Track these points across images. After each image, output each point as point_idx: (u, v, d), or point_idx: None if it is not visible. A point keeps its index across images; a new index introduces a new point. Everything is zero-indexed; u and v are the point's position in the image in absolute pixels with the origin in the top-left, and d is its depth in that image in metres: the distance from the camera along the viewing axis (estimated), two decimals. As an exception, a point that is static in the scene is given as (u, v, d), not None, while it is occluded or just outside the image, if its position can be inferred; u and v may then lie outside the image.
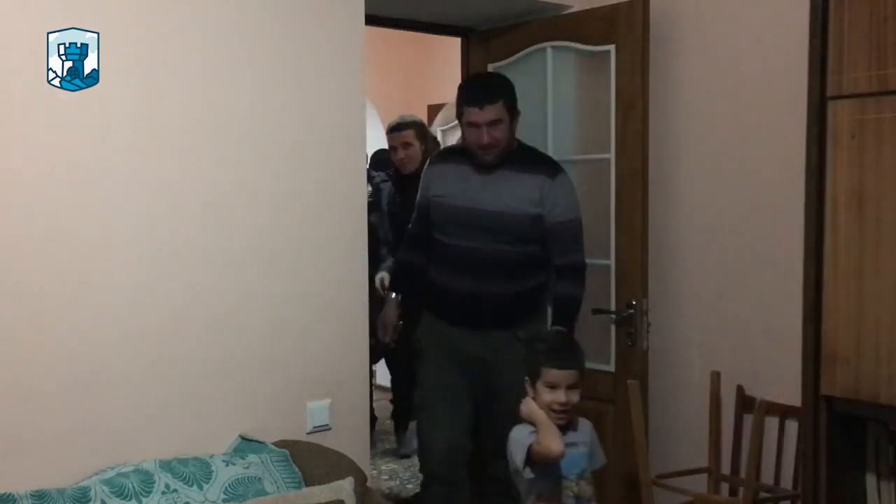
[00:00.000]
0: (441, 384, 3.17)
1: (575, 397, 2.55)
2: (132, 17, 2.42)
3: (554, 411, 2.51)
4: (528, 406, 2.55)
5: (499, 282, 3.08)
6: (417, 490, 3.80)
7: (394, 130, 4.39)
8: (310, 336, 2.78)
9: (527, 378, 2.60)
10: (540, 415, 2.49)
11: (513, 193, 3.06)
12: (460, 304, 3.14)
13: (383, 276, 4.15)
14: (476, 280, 3.08)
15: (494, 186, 3.07)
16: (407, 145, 4.31)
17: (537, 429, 2.48)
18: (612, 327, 3.40)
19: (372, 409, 4.25)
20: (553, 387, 2.52)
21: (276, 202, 2.70)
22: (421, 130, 4.39)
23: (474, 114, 3.01)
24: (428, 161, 3.41)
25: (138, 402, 2.46)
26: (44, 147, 2.30)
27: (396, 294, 3.36)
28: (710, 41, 3.31)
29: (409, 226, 3.40)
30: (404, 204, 4.07)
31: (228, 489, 2.38)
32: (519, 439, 2.51)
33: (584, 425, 2.65)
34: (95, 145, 2.37)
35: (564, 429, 2.53)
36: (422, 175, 3.36)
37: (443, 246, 3.18)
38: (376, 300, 3.50)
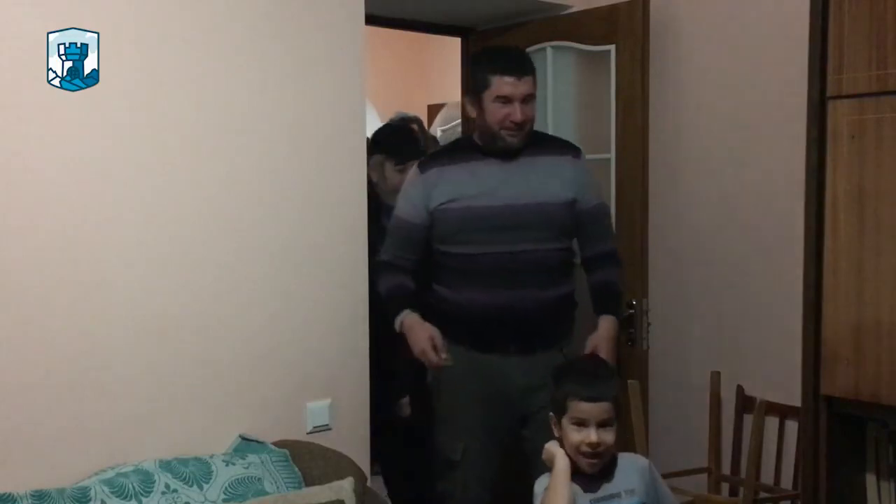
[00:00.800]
0: (476, 432, 2.71)
1: (609, 437, 2.09)
2: (132, 17, 2.42)
3: (583, 455, 2.07)
4: (549, 451, 2.13)
5: (541, 288, 2.68)
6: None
7: None
8: (310, 336, 2.78)
9: (551, 415, 2.17)
10: (556, 463, 2.08)
11: (542, 179, 2.69)
12: (493, 324, 2.68)
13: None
14: (512, 290, 2.66)
15: (520, 175, 2.69)
16: None
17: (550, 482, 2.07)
18: (612, 327, 3.41)
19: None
20: (581, 424, 2.08)
21: (275, 202, 2.70)
22: (421, 128, 4.35)
23: (508, 85, 2.61)
24: (414, 171, 2.86)
25: (138, 402, 2.46)
26: (43, 147, 2.30)
27: (402, 315, 2.77)
28: (710, 41, 3.31)
29: (381, 254, 2.85)
30: None
31: (228, 489, 2.38)
32: (538, 494, 2.13)
33: (631, 467, 2.17)
34: (95, 145, 2.37)
35: (597, 479, 2.10)
36: (404, 189, 2.87)
37: (461, 259, 2.72)
38: (389, 340, 2.90)
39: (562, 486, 2.04)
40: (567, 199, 2.72)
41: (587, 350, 2.75)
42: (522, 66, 2.66)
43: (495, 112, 2.64)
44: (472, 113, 2.75)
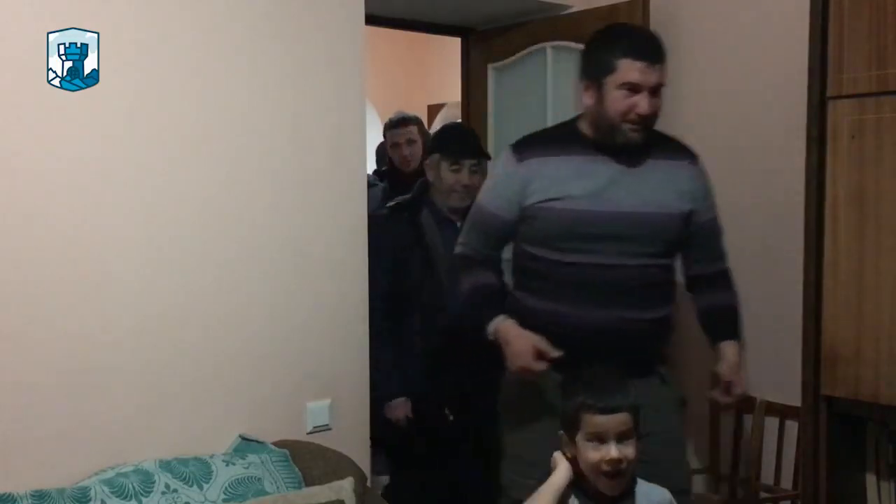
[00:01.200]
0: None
1: (630, 452, 1.88)
2: (132, 17, 2.42)
3: (604, 475, 1.86)
4: (552, 461, 1.95)
5: (643, 308, 2.33)
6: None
7: (397, 126, 4.16)
8: (310, 336, 2.78)
9: (561, 433, 1.96)
10: (553, 475, 1.91)
11: (657, 186, 2.34)
12: (584, 345, 2.24)
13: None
14: (607, 309, 2.31)
15: (632, 178, 2.33)
16: (411, 142, 4.11)
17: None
18: (612, 327, 3.40)
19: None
20: (598, 439, 1.87)
21: (276, 201, 2.70)
22: (422, 127, 4.29)
23: (638, 71, 2.23)
24: (508, 157, 2.42)
25: (138, 402, 2.46)
26: (44, 147, 2.29)
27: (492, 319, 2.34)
28: (710, 41, 3.31)
29: (459, 246, 2.52)
30: None
31: (228, 489, 2.38)
32: None
33: (653, 498, 1.96)
34: (95, 145, 2.37)
35: (618, 502, 1.89)
36: (494, 176, 2.52)
37: (557, 266, 2.35)
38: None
39: (546, 499, 1.87)
40: (682, 212, 2.36)
41: (723, 382, 2.39)
42: (657, 51, 2.28)
43: (618, 101, 2.25)
44: (588, 100, 2.33)
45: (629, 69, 2.23)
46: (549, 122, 3.59)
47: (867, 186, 2.38)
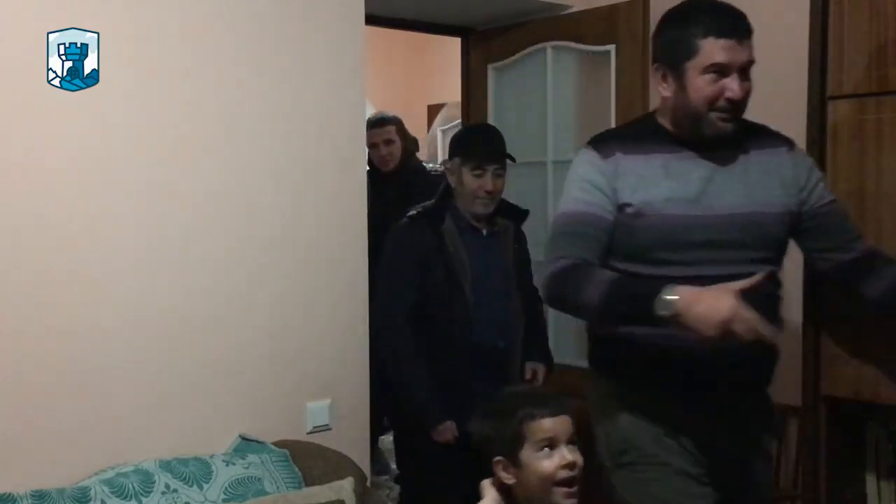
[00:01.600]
0: None
1: (580, 458, 1.78)
2: (132, 17, 2.42)
3: (563, 483, 1.74)
4: (483, 492, 1.79)
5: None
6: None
7: (375, 126, 4.14)
8: (310, 336, 2.78)
9: (499, 459, 1.78)
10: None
11: (759, 180, 2.04)
12: (704, 371, 2.00)
13: None
14: None
15: (730, 175, 2.04)
16: (389, 142, 4.15)
17: None
18: (612, 327, 3.38)
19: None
20: (550, 444, 1.75)
21: (275, 201, 2.70)
22: (401, 127, 4.29)
23: (725, 50, 1.93)
24: (589, 154, 2.10)
25: (138, 401, 2.46)
26: (43, 147, 2.30)
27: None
28: (710, 41, 3.30)
29: (554, 261, 2.01)
30: (384, 205, 3.61)
31: (228, 489, 2.38)
32: None
33: None
34: (95, 145, 2.37)
35: None
36: (576, 175, 2.10)
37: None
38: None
39: None
40: (787, 209, 2.07)
41: None
42: (743, 25, 1.98)
43: (704, 87, 1.96)
44: (665, 90, 2.06)
45: (714, 49, 1.93)
46: (550, 122, 3.60)
47: (867, 186, 2.37)
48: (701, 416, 2.07)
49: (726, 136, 2.01)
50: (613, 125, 3.36)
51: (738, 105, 1.98)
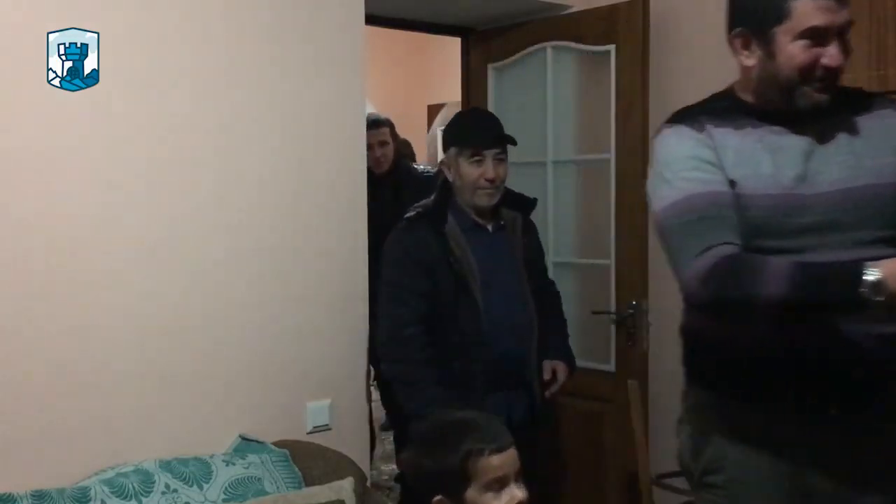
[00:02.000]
0: None
1: (525, 493, 1.66)
2: (132, 17, 2.42)
3: None
4: None
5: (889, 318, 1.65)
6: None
7: (371, 127, 3.93)
8: (310, 336, 2.78)
9: (439, 499, 1.65)
10: None
11: (873, 150, 1.77)
12: (806, 375, 1.72)
13: None
14: (851, 324, 1.69)
15: (835, 147, 1.78)
16: (384, 143, 4.12)
17: None
18: (612, 327, 3.40)
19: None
20: (500, 483, 1.63)
21: (275, 202, 2.70)
22: (393, 130, 4.32)
23: (822, 11, 1.70)
24: (679, 131, 1.85)
25: (138, 402, 2.46)
26: (44, 147, 2.30)
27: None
28: (710, 41, 3.29)
29: (708, 253, 1.68)
30: (380, 206, 3.35)
31: (228, 489, 2.38)
32: None
33: None
34: (95, 145, 2.37)
35: None
36: (672, 155, 1.84)
37: None
38: None
39: None
40: None
41: None
42: None
43: (798, 55, 1.72)
44: (748, 59, 1.81)
45: (809, 12, 1.69)
46: (550, 122, 3.60)
47: (867, 186, 2.37)
48: (831, 449, 1.75)
49: (824, 106, 1.76)
50: (613, 125, 3.36)
51: (836, 73, 1.74)
